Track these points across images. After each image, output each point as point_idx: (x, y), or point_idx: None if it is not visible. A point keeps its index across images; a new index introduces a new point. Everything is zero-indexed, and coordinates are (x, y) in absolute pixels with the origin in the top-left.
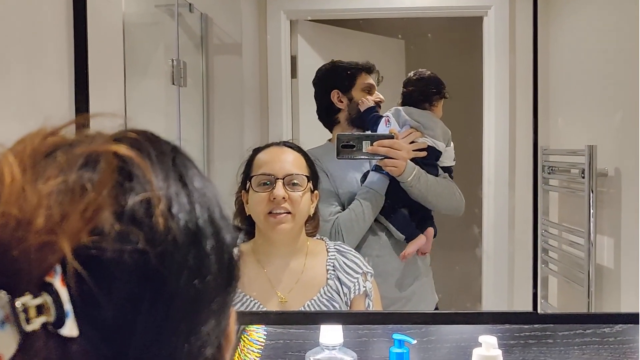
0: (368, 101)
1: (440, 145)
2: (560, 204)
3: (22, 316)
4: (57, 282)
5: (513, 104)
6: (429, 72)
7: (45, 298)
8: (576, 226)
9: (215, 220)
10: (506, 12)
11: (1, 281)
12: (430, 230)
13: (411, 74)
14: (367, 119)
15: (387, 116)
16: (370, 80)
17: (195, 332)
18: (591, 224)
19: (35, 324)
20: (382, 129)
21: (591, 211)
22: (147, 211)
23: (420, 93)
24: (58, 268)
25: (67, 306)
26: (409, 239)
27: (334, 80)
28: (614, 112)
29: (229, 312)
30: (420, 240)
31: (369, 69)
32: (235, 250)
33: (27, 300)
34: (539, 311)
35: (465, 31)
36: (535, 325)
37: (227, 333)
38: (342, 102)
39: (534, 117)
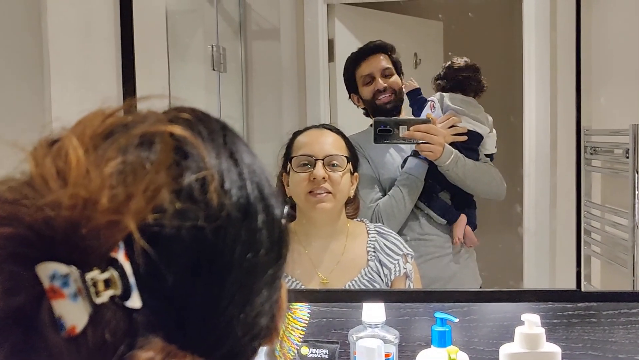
0: (413, 82)
1: (482, 129)
2: (603, 185)
3: (92, 290)
4: (121, 257)
5: (554, 82)
6: (472, 62)
7: (112, 272)
8: (620, 207)
9: (265, 195)
10: None
11: (72, 257)
12: (469, 229)
13: (459, 61)
14: (412, 102)
15: (432, 100)
16: (367, 69)
17: (250, 302)
18: (636, 205)
19: (104, 296)
20: (427, 112)
21: (636, 192)
22: (202, 188)
23: (468, 80)
24: (121, 244)
25: (132, 279)
26: (451, 222)
27: (346, 84)
28: None
29: (280, 283)
30: (462, 221)
31: (363, 56)
32: (284, 224)
33: (95, 275)
34: (582, 289)
35: (505, 9)
36: (579, 304)
37: (279, 304)
38: (359, 102)
39: (577, 95)
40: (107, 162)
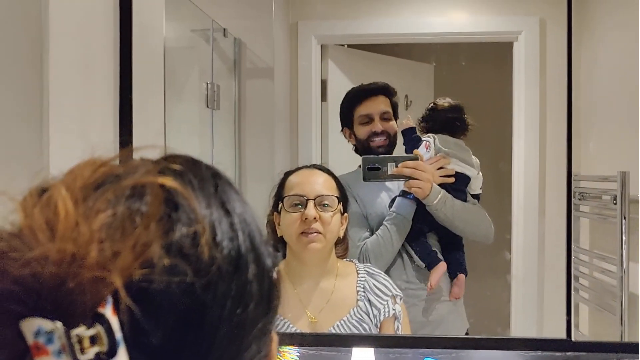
0: (409, 121)
1: (471, 171)
2: (591, 230)
3: (77, 346)
4: (109, 312)
5: (543, 129)
6: (456, 102)
7: (98, 329)
8: (608, 253)
9: (256, 245)
10: (537, 37)
11: (58, 313)
12: (462, 277)
13: (443, 102)
14: (406, 140)
15: (427, 141)
16: (367, 109)
17: (239, 358)
18: (623, 251)
19: (90, 354)
20: (422, 152)
21: (623, 238)
22: (193, 242)
23: (453, 121)
24: (109, 298)
25: (118, 335)
26: (430, 266)
27: (341, 117)
28: None
29: (270, 336)
30: (441, 268)
31: (365, 95)
32: (275, 273)
33: (81, 331)
34: (572, 339)
35: (496, 57)
36: (568, 353)
37: (269, 357)
38: (352, 138)
39: (568, 142)
40: (96, 214)
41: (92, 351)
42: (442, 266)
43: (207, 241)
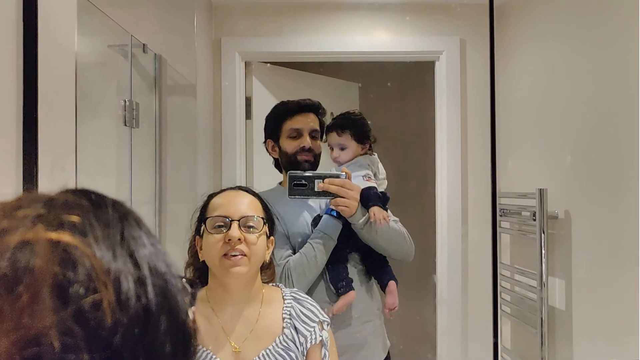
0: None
1: (384, 184)
2: (512, 246)
3: None
4: None
5: (465, 148)
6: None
7: None
8: (528, 268)
9: (169, 296)
10: (457, 57)
11: None
12: (393, 284)
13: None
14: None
15: (368, 174)
16: (298, 124)
17: None
18: (543, 266)
19: None
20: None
21: (543, 252)
22: (93, 306)
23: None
24: None
25: None
26: (340, 293)
27: (266, 128)
28: (563, 156)
29: None
30: (349, 297)
31: (298, 110)
32: (191, 315)
33: None
34: None
35: (420, 77)
36: None
37: None
38: (275, 151)
39: (492, 161)
40: None
41: None
42: (351, 295)
43: (111, 303)
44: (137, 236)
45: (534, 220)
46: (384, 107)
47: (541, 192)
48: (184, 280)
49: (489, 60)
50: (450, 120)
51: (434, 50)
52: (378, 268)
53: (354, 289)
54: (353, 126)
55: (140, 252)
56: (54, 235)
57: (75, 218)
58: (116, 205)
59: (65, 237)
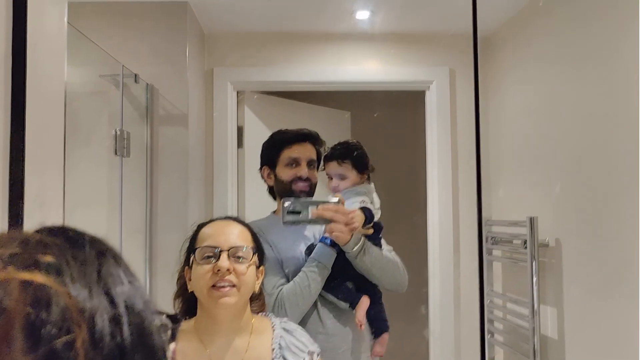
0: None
1: (378, 214)
2: (503, 274)
3: None
4: None
5: (455, 176)
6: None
7: None
8: (520, 296)
9: (145, 334)
10: (447, 86)
11: None
12: (385, 336)
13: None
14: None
15: (364, 200)
16: (296, 153)
17: None
18: (534, 293)
19: None
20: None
21: (534, 279)
22: (66, 346)
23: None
24: None
25: None
26: (353, 305)
27: (263, 155)
28: (554, 184)
29: None
30: (365, 302)
31: (296, 139)
32: (169, 352)
33: None
34: None
35: (410, 105)
36: None
37: None
38: (270, 178)
39: (478, 190)
40: None
41: None
42: (365, 301)
43: (84, 342)
44: (115, 273)
45: (525, 248)
46: (375, 136)
47: (532, 220)
48: (164, 315)
49: (474, 89)
50: (441, 149)
51: (424, 80)
52: (372, 308)
53: (363, 294)
54: (353, 156)
55: (117, 289)
56: (26, 275)
57: (49, 257)
58: (94, 242)
59: (38, 276)
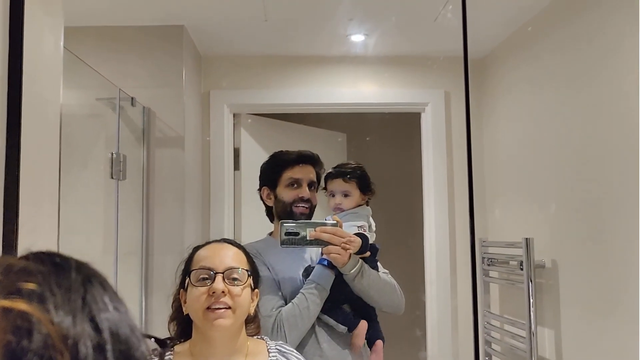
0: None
1: (373, 237)
2: (500, 295)
3: None
4: None
5: (452, 198)
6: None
7: None
8: (517, 318)
9: (129, 357)
10: (442, 109)
11: None
12: (380, 343)
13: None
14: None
15: (363, 225)
16: (298, 174)
17: None
18: (531, 314)
19: None
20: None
21: (531, 301)
22: None
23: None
24: None
25: None
26: (351, 329)
27: (263, 175)
28: (549, 204)
29: None
30: (363, 326)
31: (298, 161)
32: None
33: None
34: None
35: (406, 127)
36: None
37: None
38: (270, 199)
39: (470, 212)
40: None
41: None
42: (363, 325)
43: None
44: (100, 300)
45: (522, 269)
46: (371, 158)
47: (527, 242)
48: (153, 340)
49: (465, 112)
50: (437, 171)
51: (419, 102)
52: (369, 328)
53: (361, 319)
54: (359, 175)
55: (102, 316)
56: (6, 302)
57: (32, 285)
58: (80, 267)
59: (20, 304)
